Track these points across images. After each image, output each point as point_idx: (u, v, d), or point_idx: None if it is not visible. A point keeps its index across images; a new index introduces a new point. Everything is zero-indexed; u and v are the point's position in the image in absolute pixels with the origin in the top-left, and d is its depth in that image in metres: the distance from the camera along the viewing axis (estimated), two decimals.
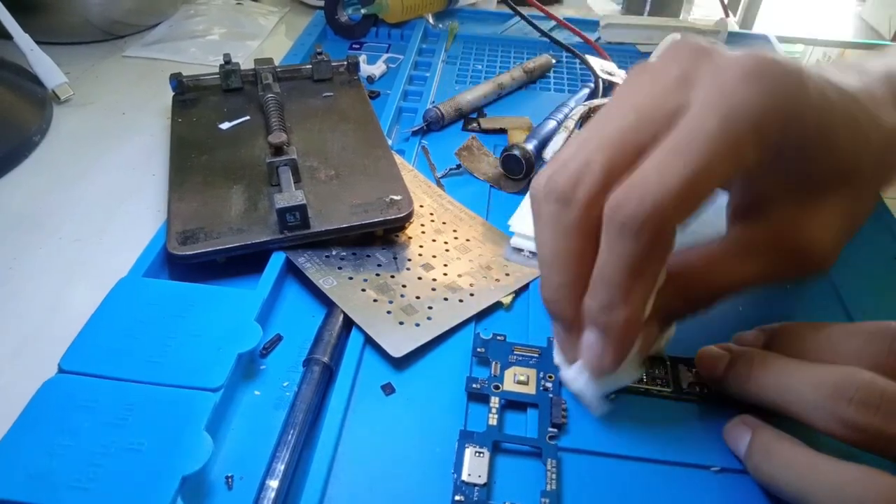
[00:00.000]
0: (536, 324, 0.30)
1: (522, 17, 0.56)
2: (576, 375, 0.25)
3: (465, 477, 0.23)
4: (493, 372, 0.27)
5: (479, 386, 0.26)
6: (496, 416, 0.25)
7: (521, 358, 0.28)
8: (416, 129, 0.41)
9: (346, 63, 0.45)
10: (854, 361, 0.21)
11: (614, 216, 0.21)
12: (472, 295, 0.31)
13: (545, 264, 0.24)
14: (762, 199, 0.25)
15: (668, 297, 0.24)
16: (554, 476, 0.24)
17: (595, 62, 0.49)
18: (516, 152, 0.38)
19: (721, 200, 0.26)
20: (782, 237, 0.24)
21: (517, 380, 0.27)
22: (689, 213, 0.21)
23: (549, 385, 0.27)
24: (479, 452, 0.24)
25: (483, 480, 0.23)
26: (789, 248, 0.24)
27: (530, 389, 0.26)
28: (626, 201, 0.20)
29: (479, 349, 0.28)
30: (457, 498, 0.23)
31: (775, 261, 0.24)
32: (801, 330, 0.24)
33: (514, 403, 0.26)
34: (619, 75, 0.50)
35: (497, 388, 0.26)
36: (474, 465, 0.24)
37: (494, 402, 0.26)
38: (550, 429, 0.25)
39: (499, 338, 0.28)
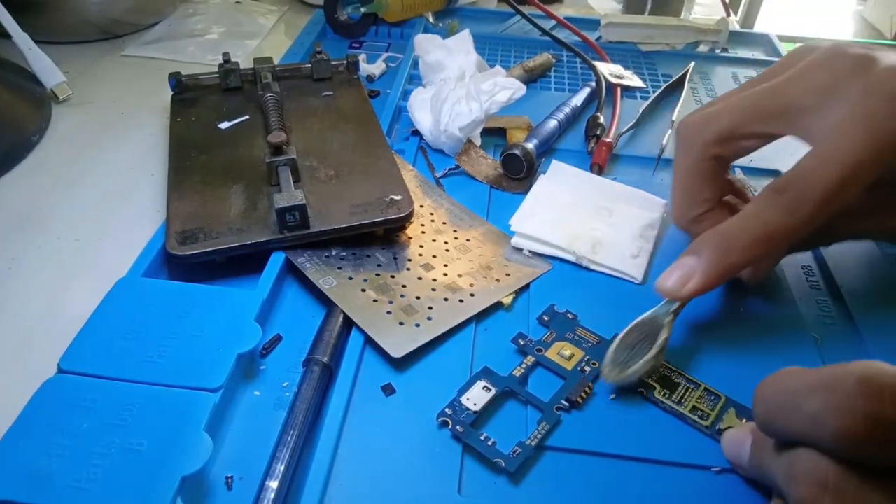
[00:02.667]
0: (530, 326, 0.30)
1: (523, 15, 0.56)
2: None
3: (463, 399, 0.26)
4: (544, 338, 0.29)
5: (524, 343, 0.28)
6: (522, 370, 0.27)
7: (578, 338, 0.29)
8: (416, 128, 0.41)
9: (345, 62, 0.45)
10: (818, 425, 0.19)
11: (772, 195, 0.26)
12: (472, 295, 0.31)
13: (673, 188, 0.31)
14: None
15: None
16: (539, 436, 0.25)
17: (602, 66, 0.49)
18: (517, 151, 0.38)
19: None
20: None
21: (562, 353, 0.28)
22: (839, 205, 0.25)
23: (587, 369, 0.27)
24: (488, 388, 0.26)
25: (476, 409, 0.25)
26: None
27: (568, 365, 0.28)
28: (788, 185, 0.26)
29: (544, 316, 0.30)
30: (447, 410, 0.25)
31: None
32: (767, 392, 0.22)
33: (547, 370, 0.28)
34: (627, 77, 0.50)
35: (539, 350, 0.28)
36: (476, 395, 0.26)
37: (529, 360, 0.28)
38: (563, 401, 0.26)
39: (569, 315, 0.30)
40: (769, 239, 0.26)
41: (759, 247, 0.26)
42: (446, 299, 0.30)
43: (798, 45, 0.31)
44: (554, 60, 0.53)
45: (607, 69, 0.49)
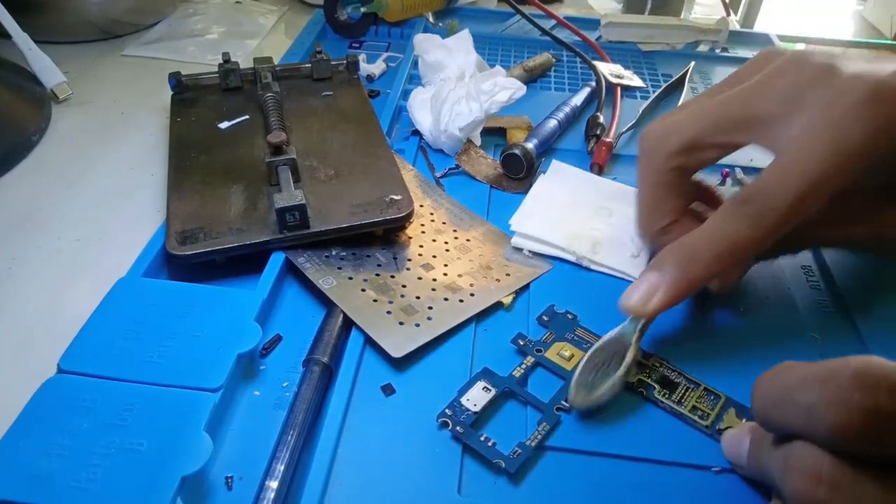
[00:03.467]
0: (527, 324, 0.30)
1: (523, 15, 0.56)
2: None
3: (463, 399, 0.26)
4: (544, 338, 0.29)
5: (524, 343, 0.28)
6: (522, 370, 0.27)
7: (577, 338, 0.29)
8: (416, 128, 0.41)
9: (345, 62, 0.45)
10: (813, 417, 0.19)
11: (736, 206, 0.26)
12: (472, 295, 0.31)
13: (637, 200, 0.31)
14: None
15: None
16: (539, 436, 0.25)
17: (602, 66, 0.49)
18: (517, 151, 0.38)
19: None
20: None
21: (561, 354, 0.28)
22: (803, 215, 0.25)
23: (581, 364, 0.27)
24: (487, 388, 0.26)
25: (476, 410, 0.25)
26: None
27: (568, 366, 0.28)
28: (751, 197, 0.25)
29: (544, 316, 0.30)
30: (447, 411, 0.25)
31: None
32: (764, 386, 0.22)
33: (547, 371, 0.28)
34: (627, 77, 0.50)
35: (539, 351, 0.28)
36: (476, 395, 0.26)
37: (528, 360, 0.28)
38: (563, 402, 0.26)
39: (569, 316, 0.30)
40: (733, 251, 0.26)
41: (722, 259, 0.26)
42: (446, 299, 0.30)
43: (798, 44, 0.31)
44: (554, 60, 0.53)
45: (607, 69, 0.49)
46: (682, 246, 0.27)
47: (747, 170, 0.41)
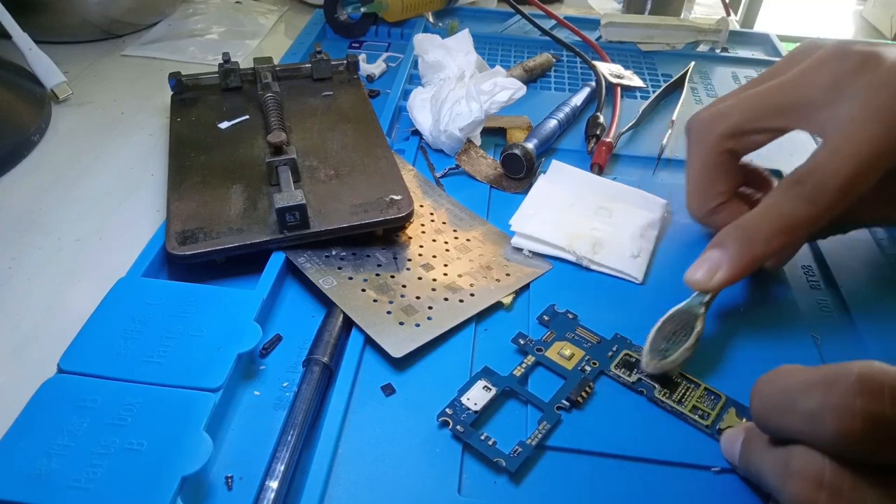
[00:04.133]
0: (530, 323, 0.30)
1: (523, 15, 0.56)
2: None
3: (463, 399, 0.26)
4: (545, 338, 0.29)
5: (524, 342, 0.28)
6: (522, 370, 0.27)
7: (578, 338, 0.29)
8: (416, 128, 0.41)
9: (345, 62, 0.45)
10: (815, 423, 0.19)
11: (792, 186, 0.27)
12: (472, 295, 0.31)
13: (686, 182, 0.32)
14: None
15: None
16: (540, 435, 0.25)
17: (602, 66, 0.49)
18: (517, 151, 0.38)
19: None
20: None
21: (562, 353, 0.28)
22: (856, 194, 0.27)
23: (587, 369, 0.28)
24: (488, 388, 0.26)
25: (476, 409, 0.25)
26: None
27: (568, 365, 0.28)
28: (806, 178, 0.27)
29: (544, 316, 0.30)
30: (447, 410, 0.25)
31: None
32: (764, 389, 0.22)
33: (547, 370, 0.28)
34: (627, 77, 0.50)
35: (539, 350, 0.28)
36: (477, 395, 0.26)
37: (529, 359, 0.28)
38: (564, 401, 0.26)
39: (570, 315, 0.30)
40: (791, 229, 0.27)
41: (781, 237, 0.27)
42: (446, 299, 0.30)
43: (797, 44, 0.31)
44: (554, 60, 0.53)
45: (607, 69, 0.49)
46: (741, 226, 0.28)
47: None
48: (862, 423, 0.18)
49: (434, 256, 0.33)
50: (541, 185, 0.38)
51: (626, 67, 0.52)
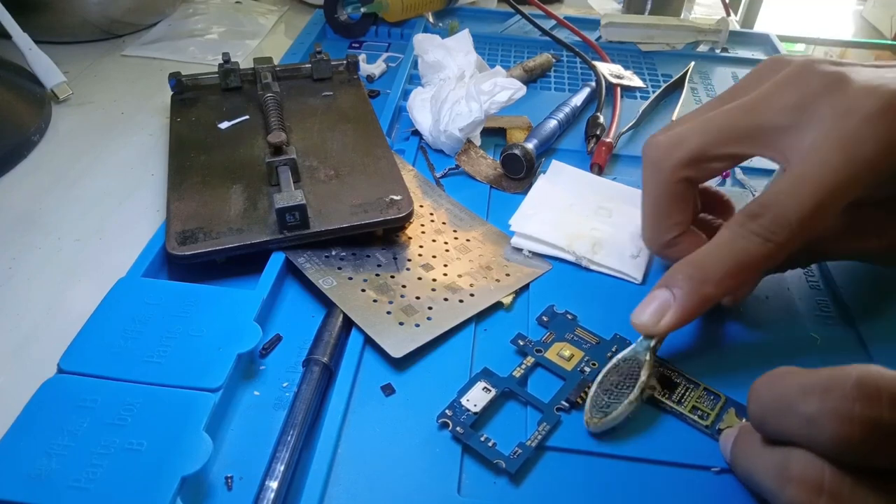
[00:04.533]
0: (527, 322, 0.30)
1: (523, 15, 0.56)
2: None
3: (463, 400, 0.26)
4: (544, 339, 0.29)
5: (524, 343, 0.28)
6: (522, 371, 0.27)
7: (577, 339, 0.29)
8: (416, 128, 0.41)
9: (345, 62, 0.45)
10: (813, 428, 0.19)
11: (746, 221, 0.25)
12: (472, 295, 0.31)
13: (642, 211, 0.30)
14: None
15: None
16: (539, 437, 0.25)
17: (602, 66, 0.49)
18: (517, 151, 0.38)
19: None
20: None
21: (561, 354, 0.28)
22: (816, 229, 0.25)
23: (586, 370, 0.27)
24: (488, 389, 0.26)
25: (476, 410, 0.25)
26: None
27: (568, 366, 0.28)
28: (762, 211, 0.25)
29: (543, 317, 0.30)
30: (447, 411, 0.25)
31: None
32: (762, 392, 0.22)
33: (546, 371, 0.28)
34: (627, 77, 0.50)
35: (539, 351, 0.28)
36: (476, 396, 0.26)
37: (528, 360, 0.28)
38: (563, 402, 0.26)
39: (569, 316, 0.30)
40: (745, 267, 0.25)
41: (734, 276, 0.25)
42: (446, 299, 0.30)
43: (797, 44, 0.30)
44: (554, 60, 0.53)
45: (607, 69, 0.49)
46: (692, 264, 0.26)
47: (747, 170, 0.41)
48: (860, 428, 0.18)
49: (434, 256, 0.33)
50: (541, 185, 0.38)
51: (626, 67, 0.52)
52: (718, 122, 0.27)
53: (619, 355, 0.27)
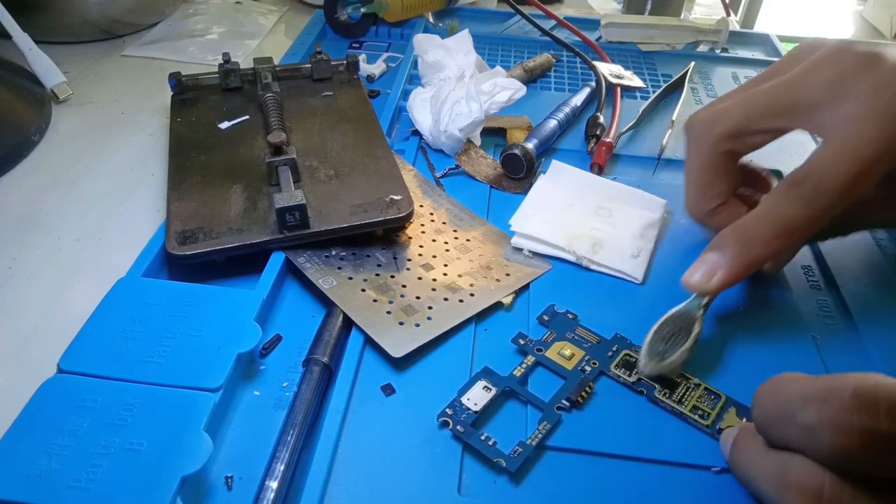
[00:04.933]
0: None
1: (523, 15, 0.56)
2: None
3: (463, 399, 0.26)
4: (545, 338, 0.29)
5: (524, 342, 0.28)
6: (522, 370, 0.27)
7: (578, 338, 0.29)
8: (416, 128, 0.41)
9: (345, 62, 0.45)
10: (813, 437, 0.19)
11: (791, 188, 0.27)
12: (472, 295, 0.31)
13: (685, 183, 0.32)
14: None
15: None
16: (540, 436, 0.25)
17: (602, 66, 0.49)
18: (517, 151, 0.38)
19: None
20: None
21: (562, 353, 0.28)
22: (855, 196, 0.26)
23: (587, 369, 0.28)
24: (488, 388, 0.26)
25: (477, 409, 0.25)
26: None
27: (568, 365, 0.28)
28: (804, 179, 0.26)
29: (544, 316, 0.30)
30: (447, 410, 0.25)
31: None
32: (764, 399, 0.22)
33: (547, 370, 0.28)
34: (627, 77, 0.50)
35: (539, 350, 0.28)
36: (477, 395, 0.26)
37: (529, 359, 0.28)
38: (564, 401, 0.26)
39: (570, 315, 0.30)
40: (789, 231, 0.27)
41: (779, 240, 0.27)
42: (446, 299, 0.30)
43: (797, 44, 0.31)
44: (554, 60, 0.53)
45: (607, 69, 0.49)
46: (739, 228, 0.28)
47: None
48: (858, 438, 0.18)
49: (434, 256, 0.33)
50: (541, 185, 0.38)
51: (626, 68, 0.52)
52: (759, 99, 0.29)
53: (673, 310, 0.28)
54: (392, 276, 0.31)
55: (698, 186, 0.31)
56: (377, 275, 0.31)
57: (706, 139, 0.30)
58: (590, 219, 0.35)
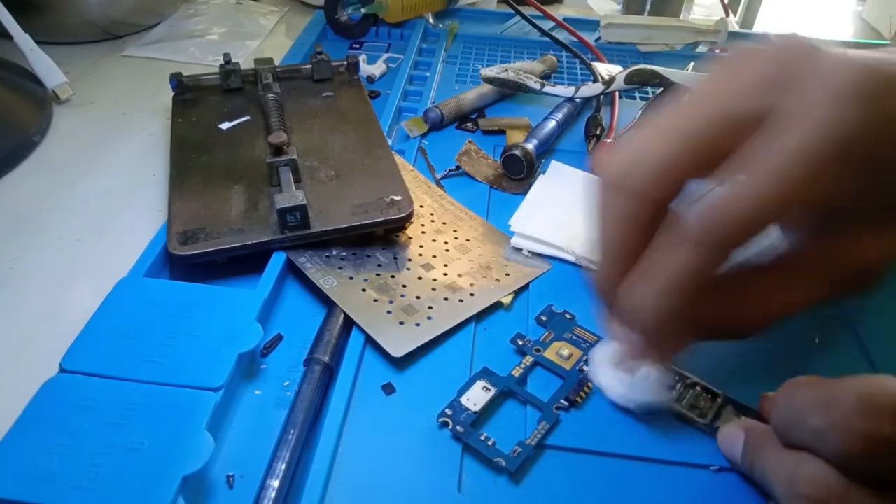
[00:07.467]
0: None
1: (523, 16, 0.56)
2: (604, 366, 0.26)
3: (462, 399, 0.26)
4: (543, 338, 0.29)
5: (523, 343, 0.28)
6: (521, 370, 0.27)
7: (576, 338, 0.29)
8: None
9: (346, 63, 0.45)
10: (820, 441, 0.20)
11: (696, 229, 0.20)
12: (472, 295, 0.31)
13: (598, 247, 0.24)
14: (832, 215, 0.23)
15: (717, 315, 0.23)
16: (539, 435, 0.25)
17: (601, 67, 0.49)
18: (517, 152, 0.38)
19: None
20: (845, 256, 0.22)
21: (560, 353, 0.28)
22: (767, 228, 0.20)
23: (585, 369, 0.28)
24: (487, 388, 0.26)
25: (476, 409, 0.25)
26: (849, 269, 0.23)
27: (566, 365, 0.28)
28: (713, 217, 0.20)
29: (542, 316, 0.30)
30: (447, 411, 0.25)
31: (833, 281, 0.23)
32: (780, 403, 0.22)
33: (546, 370, 0.28)
34: None
35: (538, 350, 0.28)
36: (476, 395, 0.26)
37: (527, 359, 0.28)
38: (563, 401, 0.26)
39: (568, 315, 0.30)
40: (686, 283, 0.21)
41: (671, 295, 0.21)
42: (446, 299, 0.30)
43: None
44: (556, 62, 0.53)
45: (605, 69, 0.49)
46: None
47: None
48: (863, 442, 0.18)
49: (434, 256, 0.33)
50: (540, 185, 0.38)
51: (626, 68, 0.52)
52: (684, 120, 0.22)
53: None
54: (392, 276, 0.31)
55: (622, 254, 0.23)
56: (378, 275, 0.31)
57: (629, 188, 0.22)
58: (589, 219, 0.35)
